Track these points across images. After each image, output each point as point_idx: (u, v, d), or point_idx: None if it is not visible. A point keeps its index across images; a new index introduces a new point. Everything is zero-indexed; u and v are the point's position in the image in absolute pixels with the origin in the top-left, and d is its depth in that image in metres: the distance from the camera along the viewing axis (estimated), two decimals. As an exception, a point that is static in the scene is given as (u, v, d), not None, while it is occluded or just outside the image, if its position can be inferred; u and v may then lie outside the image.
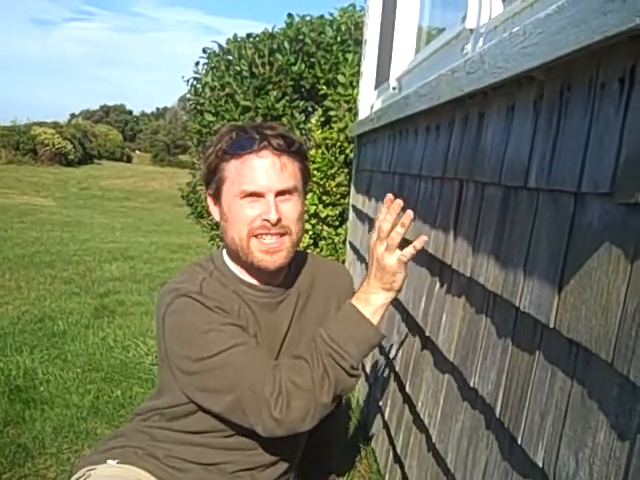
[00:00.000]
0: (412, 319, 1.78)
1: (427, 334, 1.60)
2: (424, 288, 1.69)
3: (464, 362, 1.30)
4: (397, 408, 1.93)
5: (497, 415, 1.09)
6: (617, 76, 0.77)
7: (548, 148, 0.96)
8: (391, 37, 2.95)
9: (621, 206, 0.74)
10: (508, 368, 1.07)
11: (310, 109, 5.27)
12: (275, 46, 5.16)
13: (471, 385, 1.24)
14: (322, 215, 4.38)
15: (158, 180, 23.71)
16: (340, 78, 4.43)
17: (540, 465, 0.90)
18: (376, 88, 3.37)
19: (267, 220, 1.30)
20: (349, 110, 4.21)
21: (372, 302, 1.30)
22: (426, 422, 1.55)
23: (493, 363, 1.14)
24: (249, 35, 5.53)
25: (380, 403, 2.16)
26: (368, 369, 2.49)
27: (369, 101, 3.44)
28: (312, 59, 5.03)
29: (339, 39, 5.01)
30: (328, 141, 4.30)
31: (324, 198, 4.37)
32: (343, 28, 5.09)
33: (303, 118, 5.07)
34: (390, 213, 1.29)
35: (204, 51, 5.74)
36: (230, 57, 5.51)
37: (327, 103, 4.46)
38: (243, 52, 5.25)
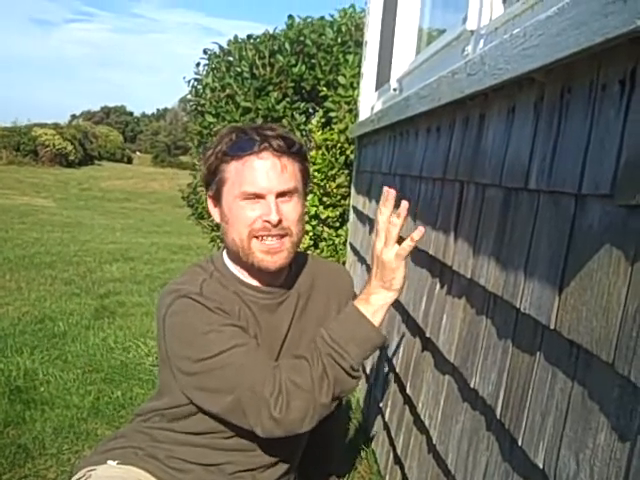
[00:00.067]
0: (413, 320, 1.78)
1: (428, 335, 1.60)
2: (425, 289, 1.69)
3: (465, 363, 1.30)
4: (397, 409, 1.93)
5: (498, 416, 1.09)
6: (618, 78, 0.77)
7: (549, 150, 0.96)
8: (392, 38, 2.95)
9: (621, 208, 0.74)
10: (509, 369, 1.07)
11: (311, 110, 5.28)
12: (276, 47, 5.17)
13: (472, 386, 1.24)
14: (322, 216, 4.38)
15: (159, 181, 23.70)
16: (341, 79, 4.44)
17: (541, 466, 0.90)
18: (377, 89, 3.38)
19: (268, 221, 1.30)
20: (350, 111, 4.22)
21: (373, 302, 1.30)
22: (426, 423, 1.55)
23: (494, 364, 1.15)
24: (250, 36, 5.54)
25: (380, 404, 2.16)
26: (368, 370, 2.49)
27: (370, 102, 3.45)
28: (313, 60, 5.03)
29: (340, 40, 5.02)
30: (329, 142, 4.31)
31: (324, 199, 4.37)
32: (344, 29, 5.10)
33: (304, 119, 5.08)
34: (385, 205, 1.29)
35: (205, 52, 5.75)
36: (231, 58, 5.52)
37: (328, 104, 4.47)
38: (244, 53, 5.26)
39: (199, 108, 5.65)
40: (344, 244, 4.22)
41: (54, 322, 3.82)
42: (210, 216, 1.45)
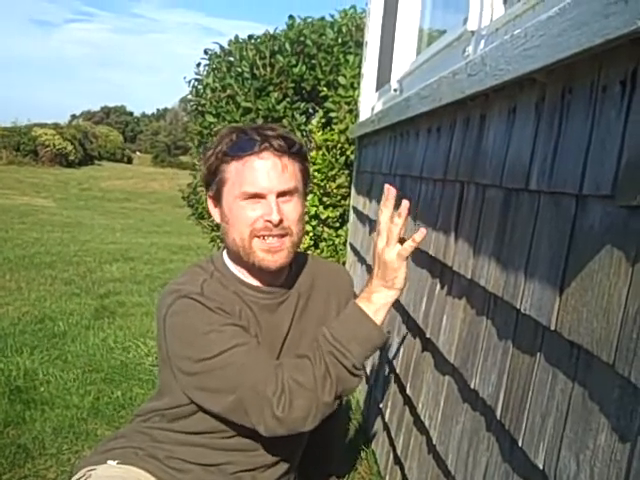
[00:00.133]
0: (413, 321, 1.78)
1: (428, 336, 1.60)
2: (425, 290, 1.69)
3: (465, 364, 1.30)
4: (397, 410, 1.93)
5: (498, 417, 1.09)
6: (619, 79, 0.77)
7: (549, 150, 0.96)
8: (392, 39, 2.95)
9: (622, 209, 0.74)
10: (509, 370, 1.07)
11: (311, 111, 5.28)
12: (276, 48, 5.16)
13: (472, 387, 1.24)
14: (323, 216, 4.38)
15: (159, 181, 23.70)
16: (341, 80, 4.44)
17: (541, 467, 0.90)
18: (377, 90, 3.38)
19: (269, 221, 1.31)
20: (350, 112, 4.22)
21: (374, 301, 1.31)
22: (426, 424, 1.55)
23: (494, 365, 1.15)
24: (250, 37, 5.54)
25: (380, 405, 2.16)
26: (369, 371, 2.49)
27: (370, 103, 3.45)
28: (313, 61, 5.03)
29: (340, 41, 5.02)
30: (329, 143, 4.31)
31: (325, 199, 4.37)
32: (344, 30, 5.10)
33: (304, 120, 5.08)
34: (386, 205, 1.29)
35: (205, 52, 5.75)
36: (231, 58, 5.52)
37: (328, 105, 4.47)
38: (244, 53, 5.26)
39: (199, 108, 5.65)
40: (344, 244, 4.22)
41: (54, 322, 3.82)
42: (210, 216, 1.45)
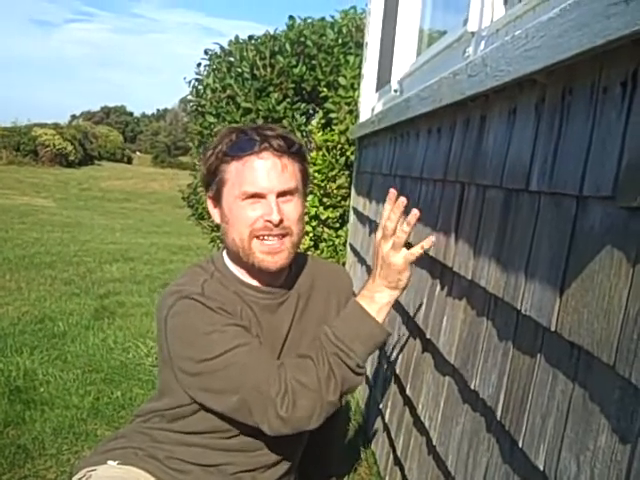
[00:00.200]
0: (413, 321, 1.78)
1: (428, 337, 1.60)
2: (425, 290, 1.69)
3: (465, 365, 1.30)
4: (397, 410, 1.93)
5: (498, 418, 1.09)
6: (619, 80, 0.77)
7: (550, 151, 0.96)
8: (392, 39, 2.95)
9: (623, 210, 0.74)
10: (509, 371, 1.07)
11: (311, 111, 5.28)
12: (276, 48, 5.16)
13: (472, 388, 1.24)
14: (323, 217, 4.38)
15: (158, 181, 23.71)
16: (341, 80, 4.44)
17: (541, 468, 0.90)
18: (377, 90, 3.38)
19: (269, 221, 1.31)
20: (350, 112, 4.22)
21: (377, 300, 1.31)
22: (426, 424, 1.55)
23: (494, 366, 1.14)
24: (251, 37, 5.54)
25: (380, 405, 2.15)
26: (369, 371, 2.48)
27: (370, 103, 3.45)
28: (313, 61, 5.03)
29: (340, 41, 5.02)
30: (329, 143, 4.31)
31: (325, 200, 4.37)
32: (344, 30, 5.10)
33: (304, 120, 5.08)
34: (394, 211, 1.30)
35: (206, 52, 5.76)
36: (232, 59, 5.52)
37: (328, 105, 4.47)
38: (244, 54, 5.26)
39: (200, 108, 5.65)
40: (344, 245, 4.22)
41: (54, 322, 3.82)
42: (210, 216, 1.45)
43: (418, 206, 1.78)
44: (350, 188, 4.02)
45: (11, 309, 4.10)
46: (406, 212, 1.31)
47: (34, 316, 3.95)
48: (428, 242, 1.32)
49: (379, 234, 1.33)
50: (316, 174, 4.23)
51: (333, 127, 4.37)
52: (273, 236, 1.33)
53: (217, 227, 4.39)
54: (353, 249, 3.48)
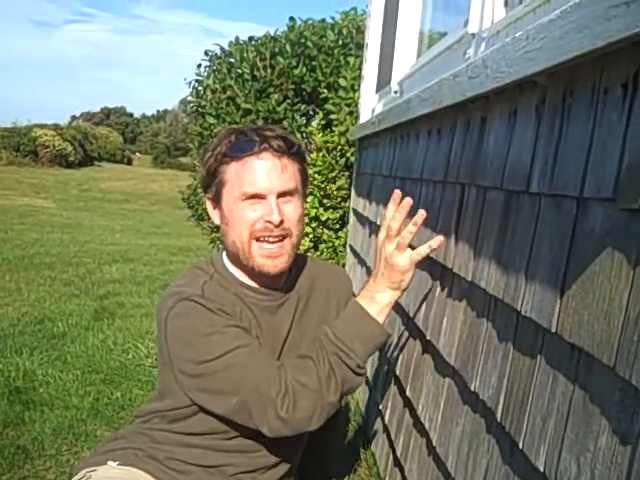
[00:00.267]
0: (413, 323, 1.78)
1: (428, 338, 1.60)
2: (425, 292, 1.69)
3: (465, 366, 1.30)
4: (397, 411, 1.93)
5: (498, 419, 1.09)
6: (620, 82, 0.77)
7: (550, 153, 0.96)
8: (393, 41, 2.95)
9: (623, 211, 0.74)
10: (509, 372, 1.07)
11: (311, 112, 5.28)
12: (277, 49, 5.17)
13: (472, 389, 1.24)
14: (323, 218, 4.38)
15: (158, 182, 23.71)
16: (341, 81, 4.44)
17: (541, 469, 0.90)
18: (377, 92, 3.38)
19: (270, 222, 1.30)
20: (350, 113, 4.22)
21: (378, 301, 1.31)
22: (426, 426, 1.55)
23: (494, 367, 1.14)
24: (251, 38, 5.55)
25: (380, 406, 2.15)
26: (369, 372, 2.48)
27: (370, 105, 3.45)
28: (313, 62, 5.04)
29: (341, 43, 5.02)
30: (329, 144, 4.31)
31: (325, 201, 4.37)
32: (345, 32, 5.10)
33: (304, 121, 5.09)
34: (399, 211, 1.30)
35: (206, 53, 5.76)
36: (232, 60, 5.53)
37: (328, 106, 4.47)
38: (245, 55, 5.26)
39: (200, 109, 5.66)
40: (344, 246, 4.22)
41: (53, 323, 3.82)
42: (210, 218, 1.45)
43: (418, 207, 1.78)
44: (350, 189, 4.03)
45: (11, 310, 4.10)
46: (409, 213, 1.31)
47: (34, 317, 3.95)
48: (437, 241, 1.31)
49: (382, 234, 1.33)
50: (316, 175, 4.23)
51: (333, 128, 4.37)
52: (273, 237, 1.32)
53: (217, 228, 4.39)
54: (353, 250, 3.48)
